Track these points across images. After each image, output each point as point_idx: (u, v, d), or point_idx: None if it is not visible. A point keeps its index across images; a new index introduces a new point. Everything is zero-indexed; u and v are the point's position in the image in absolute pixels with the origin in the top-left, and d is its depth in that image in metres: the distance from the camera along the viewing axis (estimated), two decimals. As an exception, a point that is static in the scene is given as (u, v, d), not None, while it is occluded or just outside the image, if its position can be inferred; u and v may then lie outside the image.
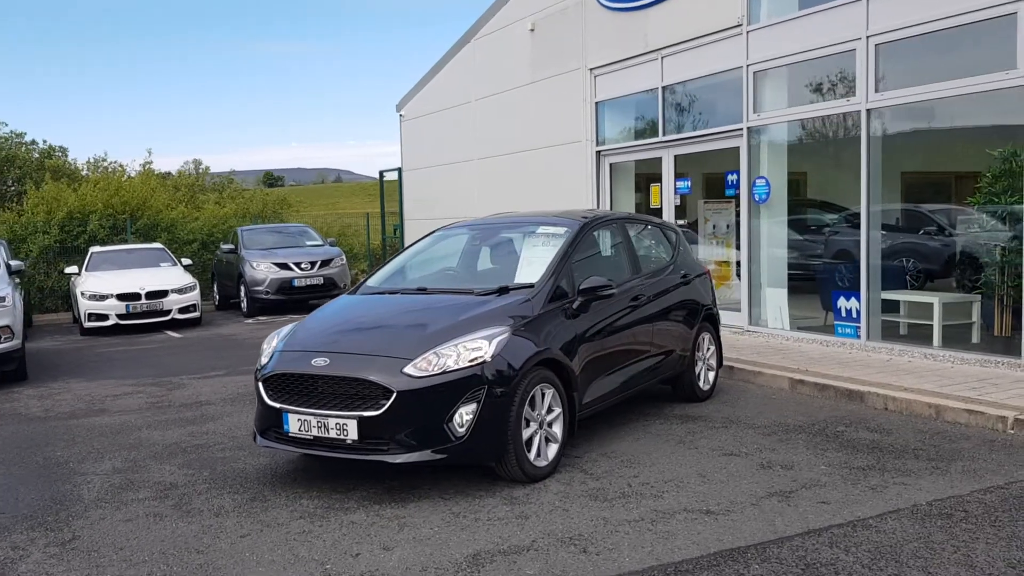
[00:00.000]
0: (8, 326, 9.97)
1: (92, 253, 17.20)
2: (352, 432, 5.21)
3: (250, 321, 16.41)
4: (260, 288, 16.81)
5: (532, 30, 15.42)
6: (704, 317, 7.84)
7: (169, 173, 27.92)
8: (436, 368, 5.22)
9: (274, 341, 6.04)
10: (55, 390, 9.80)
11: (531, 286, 6.00)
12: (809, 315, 11.03)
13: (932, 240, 11.92)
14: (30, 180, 23.49)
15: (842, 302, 10.14)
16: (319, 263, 17.29)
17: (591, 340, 6.17)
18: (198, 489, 5.72)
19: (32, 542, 4.86)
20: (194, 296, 15.99)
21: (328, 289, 17.10)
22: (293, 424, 5.44)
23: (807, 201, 12.28)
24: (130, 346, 13.61)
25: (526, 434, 5.47)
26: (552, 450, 5.70)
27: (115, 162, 26.58)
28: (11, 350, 10.03)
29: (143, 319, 15.39)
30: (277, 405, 5.54)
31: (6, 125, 28.46)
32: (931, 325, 9.44)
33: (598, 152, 14.12)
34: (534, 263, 6.46)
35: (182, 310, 15.74)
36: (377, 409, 5.17)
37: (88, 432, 7.60)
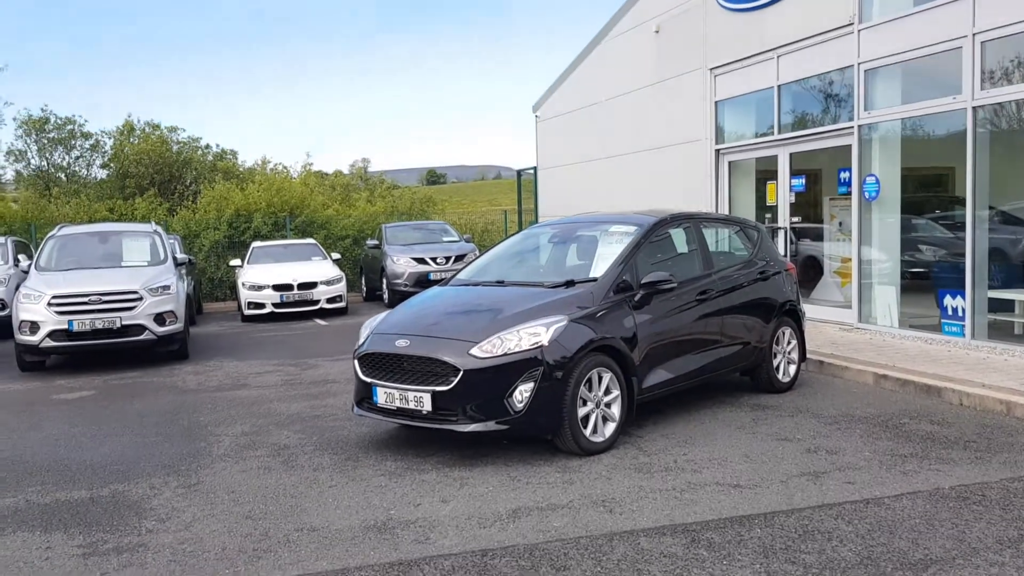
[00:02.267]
0: (172, 311, 11.42)
1: (253, 247, 18.95)
2: (427, 404, 6.00)
3: (390, 311, 17.63)
4: (399, 281, 18.03)
5: (657, 31, 15.83)
6: (784, 312, 8.16)
7: (337, 171, 29.90)
8: (499, 350, 5.92)
9: (372, 324, 6.92)
10: (210, 368, 11.17)
11: (595, 280, 6.61)
12: (923, 313, 10.99)
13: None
14: (204, 181, 25.89)
15: (948, 300, 10.12)
16: (453, 258, 18.34)
17: (654, 330, 6.70)
18: (305, 450, 6.68)
19: (165, 484, 5.93)
20: (341, 288, 17.38)
21: (462, 282, 18.09)
22: (381, 396, 6.29)
23: (919, 198, 12.11)
24: (281, 331, 15.05)
25: (582, 412, 6.09)
26: (609, 428, 6.29)
27: (279, 163, 28.83)
28: (174, 332, 11.49)
29: (295, 308, 16.88)
30: (368, 380, 6.41)
31: (184, 131, 31.41)
32: (1043, 324, 9.32)
33: (717, 150, 14.40)
34: (605, 259, 7.05)
35: (330, 300, 17.15)
36: (447, 384, 5.93)
37: (229, 403, 8.78)
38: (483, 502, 5.25)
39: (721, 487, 5.37)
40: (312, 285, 17.07)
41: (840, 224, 12.84)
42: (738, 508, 4.97)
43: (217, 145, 32.44)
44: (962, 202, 10.02)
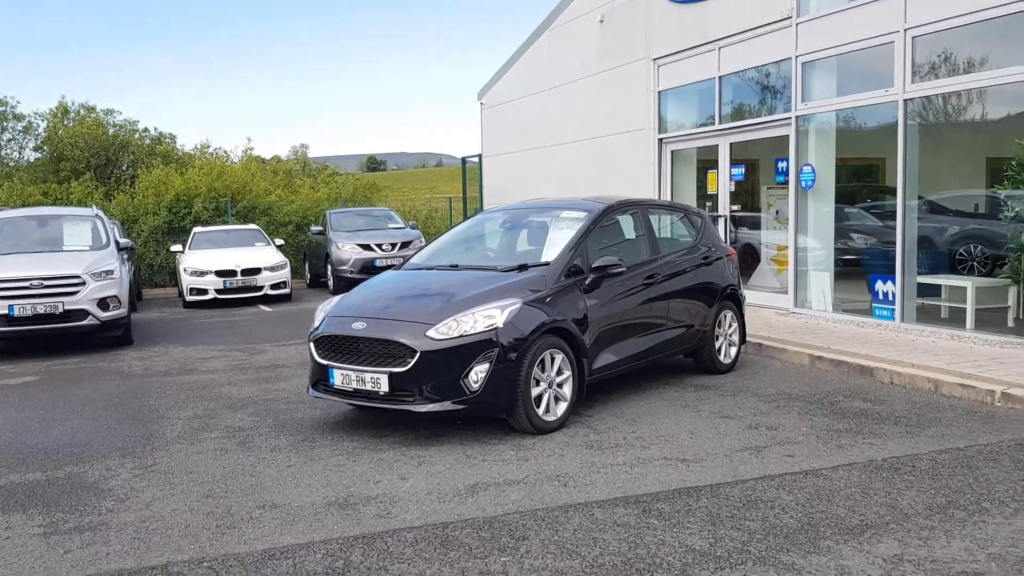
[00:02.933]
0: (116, 296, 11.31)
1: (195, 233, 18.74)
2: (384, 385, 6.13)
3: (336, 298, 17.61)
4: (345, 267, 18.02)
5: (601, 21, 16.06)
6: (726, 296, 8.46)
7: (276, 156, 29.58)
8: (455, 332, 6.07)
9: (327, 307, 7.00)
10: (155, 353, 11.10)
11: (547, 264, 6.80)
12: (855, 298, 11.44)
13: (968, 225, 12.09)
14: (142, 165, 25.44)
15: (879, 285, 10.56)
16: (399, 244, 18.40)
17: (603, 313, 6.92)
18: (260, 432, 6.75)
19: (121, 465, 5.95)
20: (285, 274, 17.31)
21: (407, 269, 18.19)
22: (337, 378, 6.40)
23: (852, 187, 12.58)
24: (225, 318, 14.96)
25: (535, 392, 6.28)
26: (561, 408, 6.49)
27: (219, 148, 28.43)
28: (118, 318, 11.37)
29: (238, 294, 16.78)
30: (324, 362, 6.50)
31: (120, 113, 30.77)
32: (966, 309, 9.79)
33: (660, 139, 14.70)
34: (558, 244, 7.24)
35: (273, 286, 17.08)
36: (404, 366, 6.06)
37: (178, 387, 8.77)
38: (441, 479, 5.40)
39: (669, 461, 5.61)
40: (256, 271, 16.98)
41: (777, 212, 13.25)
42: (686, 480, 5.21)
43: (155, 129, 31.89)
44: (893, 191, 10.46)
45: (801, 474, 5.28)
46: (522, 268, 6.79)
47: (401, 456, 5.93)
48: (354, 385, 6.30)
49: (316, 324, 6.84)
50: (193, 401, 8.04)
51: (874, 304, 10.64)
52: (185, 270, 17.02)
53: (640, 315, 7.39)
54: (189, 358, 10.60)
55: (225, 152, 28.11)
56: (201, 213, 21.92)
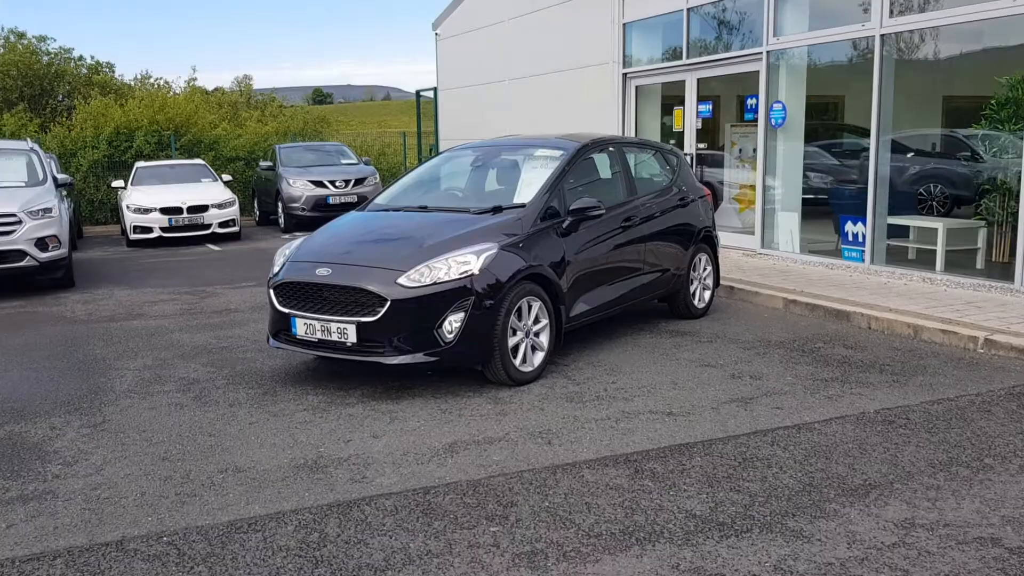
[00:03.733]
0: (55, 235, 10.65)
1: (137, 168, 17.90)
2: (352, 335, 5.75)
3: (287, 236, 17.04)
4: (296, 205, 17.39)
5: (563, -51, 15.42)
6: (701, 238, 8.19)
7: (220, 88, 28.38)
8: (428, 280, 5.69)
9: (286, 251, 6.55)
10: (99, 296, 10.52)
11: (523, 206, 6.41)
12: (822, 239, 11.27)
13: (941, 165, 11.96)
14: (79, 96, 24.19)
15: (849, 226, 10.39)
16: (353, 181, 17.79)
17: (580, 258, 6.59)
18: (217, 384, 6.34)
19: (68, 424, 5.51)
20: (233, 211, 16.64)
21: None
22: (300, 328, 5.99)
23: (823, 126, 12.34)
24: (171, 257, 14.33)
25: (512, 342, 5.95)
26: (538, 358, 6.19)
27: (161, 79, 27.14)
28: (58, 258, 10.74)
29: (185, 232, 16.11)
30: (286, 310, 6.08)
31: (55, 40, 29.15)
32: (935, 250, 9.67)
33: (625, 74, 14.26)
34: (531, 185, 6.85)
35: (222, 224, 16.42)
36: (373, 315, 5.68)
37: (125, 334, 8.27)
38: (416, 437, 5.08)
39: (655, 415, 5.35)
40: (203, 208, 16.29)
41: (740, 151, 12.98)
42: (675, 436, 4.96)
43: (92, 57, 30.35)
44: (864, 130, 10.23)
45: (794, 428, 5.07)
46: (496, 210, 6.40)
47: (372, 411, 5.58)
48: (319, 335, 5.91)
49: (275, 269, 6.40)
50: (142, 350, 7.58)
51: (843, 246, 10.48)
52: (128, 207, 16.26)
53: (617, 259, 7.08)
54: (136, 302, 10.06)
55: (167, 82, 26.92)
56: (143, 147, 20.98)
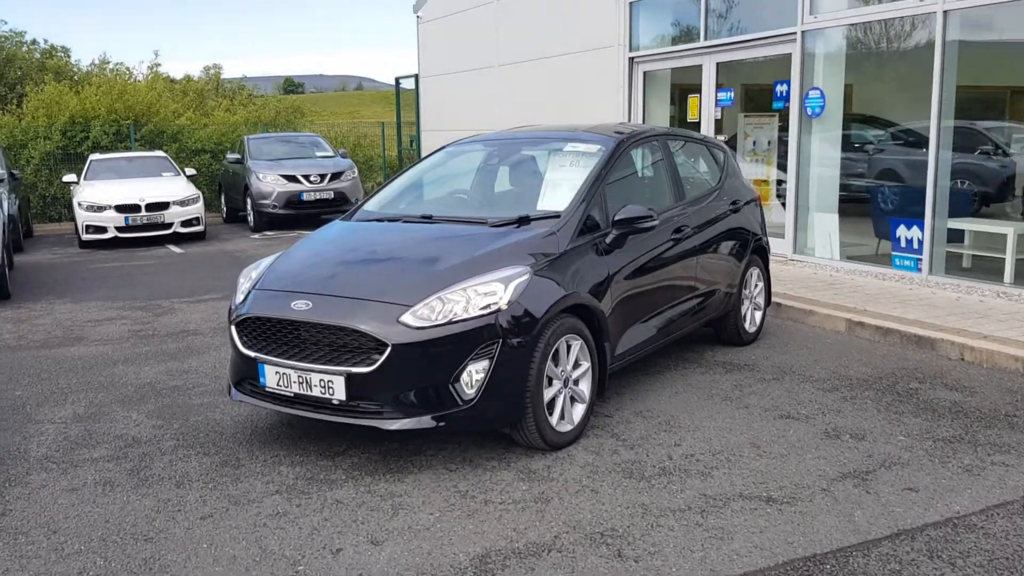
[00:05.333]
0: (-18, 242, 9.13)
1: (91, 161, 16.30)
2: (339, 391, 4.33)
3: (256, 236, 15.54)
4: (267, 201, 15.87)
5: (561, -79, 14.01)
6: (754, 249, 6.85)
7: (188, 76, 26.63)
8: (441, 317, 4.29)
9: (252, 274, 5.12)
10: (35, 312, 9.01)
11: (557, 216, 5.02)
12: (857, 243, 9.99)
13: (1004, 162, 10.71)
14: (31, 82, 22.43)
15: (902, 231, 9.09)
16: (329, 176, 16.28)
17: (626, 280, 5.22)
18: (163, 447, 4.90)
19: (-48, 519, 4.06)
20: (197, 209, 15.11)
21: (339, 204, 16.16)
22: (270, 377, 4.57)
23: (864, 117, 11.05)
24: (127, 261, 12.80)
25: (548, 394, 4.57)
26: (578, 412, 4.81)
27: (120, 64, 25.35)
28: (-13, 268, 9.22)
29: (143, 232, 14.58)
30: (252, 354, 4.65)
31: (5, 23, 27.31)
32: (1002, 259, 8.41)
33: (631, 59, 12.88)
34: (560, 187, 5.47)
35: (185, 223, 14.89)
36: (369, 365, 4.27)
37: (58, 366, 6.79)
38: (432, 541, 3.68)
39: (750, 503, 3.99)
40: (163, 206, 14.73)
41: (754, 143, 11.68)
42: (792, 543, 3.60)
43: (45, 41, 28.44)
44: (918, 119, 8.95)
45: (946, 525, 3.72)
46: (523, 222, 4.99)
47: (366, 495, 4.18)
48: (295, 388, 4.48)
49: (239, 298, 4.95)
50: (75, 390, 6.11)
51: (894, 252, 9.18)
52: (80, 204, 14.66)
53: (666, 279, 5.71)
54: (77, 320, 8.56)
55: (127, 69, 25.15)
56: (100, 138, 19.30)
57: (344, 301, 4.47)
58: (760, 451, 4.62)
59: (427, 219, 5.31)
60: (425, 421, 4.28)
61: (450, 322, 4.28)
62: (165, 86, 23.87)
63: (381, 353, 4.24)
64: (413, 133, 20.81)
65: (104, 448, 4.92)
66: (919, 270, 8.87)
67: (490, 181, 5.97)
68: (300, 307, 4.49)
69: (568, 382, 4.73)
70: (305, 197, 15.95)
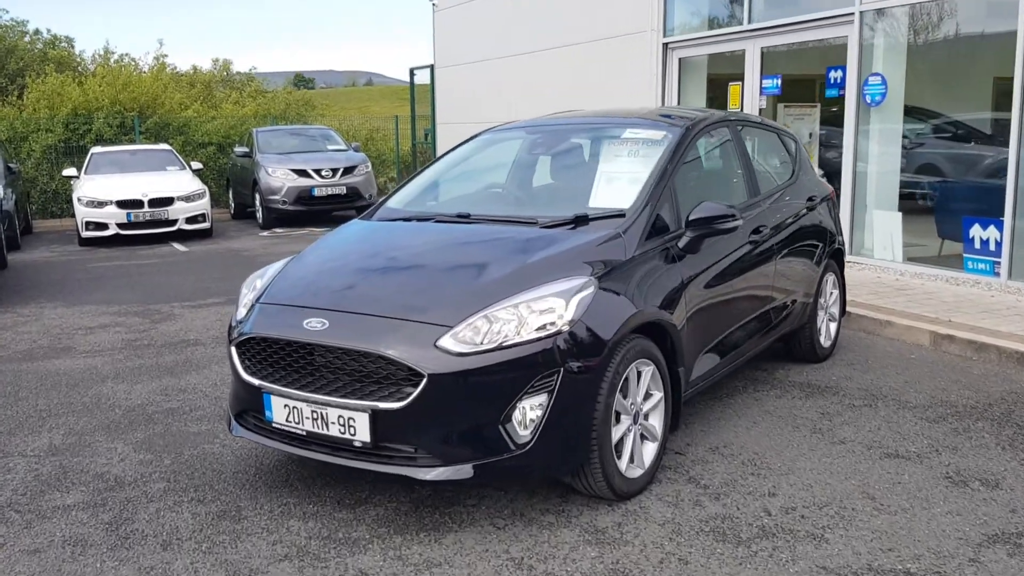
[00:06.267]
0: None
1: (92, 154, 15.52)
2: (363, 431, 3.50)
3: (265, 233, 14.74)
4: (276, 197, 15.06)
5: (589, -102, 13.13)
6: (830, 252, 6.00)
7: (196, 67, 25.84)
8: (488, 340, 3.46)
9: (257, 283, 4.29)
10: (23, 318, 8.22)
11: (621, 215, 4.17)
12: (916, 243, 9.12)
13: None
14: (32, 73, 21.67)
15: (976, 231, 8.21)
16: (342, 170, 15.47)
17: (702, 291, 4.38)
18: (150, 491, 4.08)
19: None
20: (203, 204, 14.32)
21: (352, 200, 15.39)
22: (278, 411, 3.74)
23: (931, 105, 10.14)
24: (127, 260, 12.01)
25: (616, 433, 3.74)
26: (649, 452, 3.98)
27: (126, 55, 24.54)
28: (-29, 270, 8.44)
29: (146, 229, 13.79)
30: (255, 381, 3.82)
31: (7, 12, 26.56)
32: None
33: (665, 44, 12.00)
34: (617, 181, 4.63)
35: (190, 220, 14.10)
36: (400, 399, 3.44)
37: (40, 382, 6.00)
38: (485, 636, 2.86)
39: (883, 579, 3.15)
40: (167, 201, 13.93)
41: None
42: (956, 643, 2.76)
43: (48, 31, 27.66)
44: (990, 109, 8.08)
45: None
46: (580, 221, 4.15)
47: (397, 562, 3.35)
48: (308, 426, 3.66)
49: (240, 313, 4.12)
50: (55, 413, 5.31)
51: (966, 254, 8.31)
52: (80, 200, 13.89)
53: (744, 289, 4.87)
54: (67, 327, 7.77)
55: (133, 60, 24.37)
56: (103, 130, 18.53)
57: (368, 320, 3.63)
58: (876, 504, 3.77)
59: (464, 219, 4.47)
60: (467, 471, 3.44)
61: (500, 347, 3.44)
62: (171, 78, 23.05)
63: (415, 385, 3.41)
64: (428, 126, 19.97)
65: (80, 491, 4.11)
66: (996, 274, 8.00)
67: (532, 174, 5.12)
68: (314, 326, 3.66)
69: (638, 417, 3.89)
70: (317, 192, 15.15)
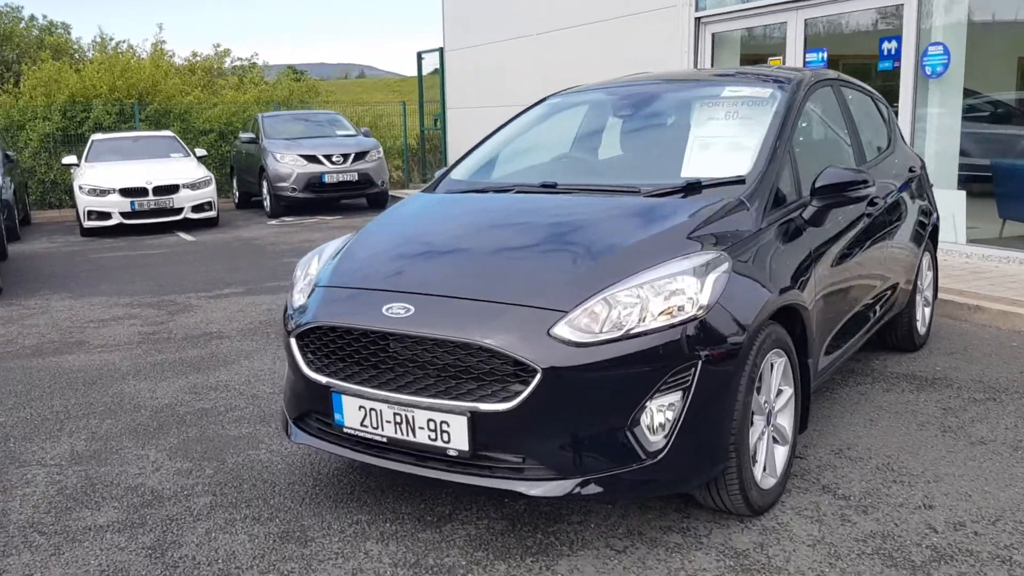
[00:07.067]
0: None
1: (93, 141, 14.87)
2: (459, 437, 2.92)
3: (274, 222, 14.12)
4: (285, 184, 14.44)
5: None
6: (931, 230, 5.43)
7: (195, 53, 25.15)
8: (610, 327, 2.88)
9: (313, 265, 3.70)
10: (29, 311, 7.62)
11: (741, 181, 3.59)
12: (973, 225, 8.56)
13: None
14: (29, 60, 20.98)
15: (1053, 210, 7.66)
16: (353, 156, 14.84)
17: (827, 271, 3.80)
18: (194, 507, 3.50)
19: None
20: (210, 192, 13.70)
21: (364, 186, 14.79)
22: (351, 413, 3.15)
23: (993, 77, 9.55)
24: (133, 251, 11.39)
25: (752, 437, 3.16)
26: (780, 457, 3.41)
27: (124, 41, 23.84)
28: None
29: (151, 218, 13.17)
30: (322, 379, 3.23)
31: None
32: None
33: (697, 19, 11.40)
34: (713, 147, 4.06)
35: (196, 208, 13.48)
36: (506, 400, 2.85)
37: (52, 380, 5.41)
38: None
39: (1109, 614, 2.58)
40: (173, 189, 13.31)
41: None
42: None
43: (44, 16, 26.92)
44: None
45: None
46: (692, 189, 3.56)
47: (508, 597, 2.78)
48: (389, 431, 3.07)
49: (298, 300, 3.52)
50: (73, 415, 4.72)
51: (1039, 236, 7.76)
52: (81, 188, 13.25)
53: (863, 270, 4.31)
54: (77, 320, 7.17)
55: (131, 46, 23.67)
56: (102, 118, 17.85)
57: (463, 304, 3.04)
58: (1054, 517, 3.21)
59: (550, 188, 3.88)
60: (589, 486, 2.86)
61: (627, 335, 2.86)
62: (170, 64, 22.37)
63: (526, 383, 2.83)
64: (437, 112, 19.35)
65: (112, 508, 3.52)
66: (1075, 256, 7.45)
67: (617, 138, 4.51)
68: (397, 312, 3.07)
69: (771, 417, 3.32)
70: (327, 179, 14.53)
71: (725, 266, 3.07)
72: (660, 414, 2.89)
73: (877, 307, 4.62)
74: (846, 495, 3.42)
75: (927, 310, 5.63)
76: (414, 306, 3.07)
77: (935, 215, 5.59)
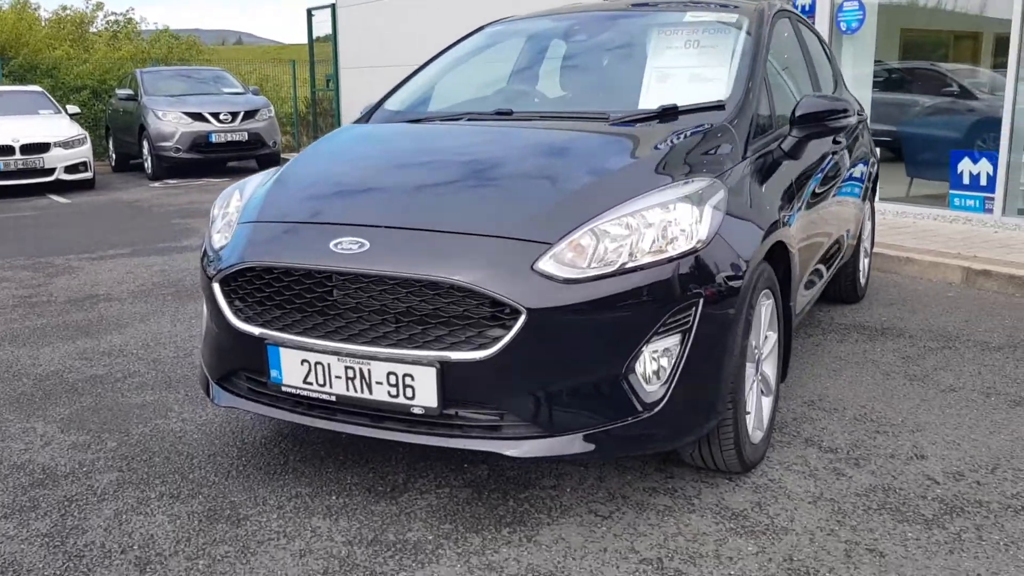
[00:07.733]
0: None
1: (-51, 96, 13.49)
2: (425, 392, 2.49)
3: (157, 184, 13.15)
4: (168, 144, 13.46)
5: None
6: (874, 179, 5.28)
7: (64, 6, 23.36)
8: (599, 262, 2.50)
9: (234, 200, 3.17)
10: None
11: (720, 106, 3.26)
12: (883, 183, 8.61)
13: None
14: None
15: (966, 165, 7.72)
16: (242, 115, 13.96)
17: (806, 210, 3.53)
18: (97, 486, 2.96)
19: None
20: (85, 151, 12.61)
21: (254, 147, 13.95)
22: (291, 370, 2.68)
23: (904, 35, 9.59)
24: (1, 213, 10.34)
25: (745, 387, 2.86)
26: (766, 409, 3.12)
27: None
28: None
29: (19, 179, 12.01)
30: (254, 331, 2.74)
31: None
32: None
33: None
34: (672, 78, 3.72)
35: (69, 169, 12.38)
36: (483, 347, 2.44)
37: (-90, 350, 4.68)
38: None
39: None
40: (43, 148, 12.17)
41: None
42: None
43: None
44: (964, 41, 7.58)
45: None
46: (668, 115, 3.21)
47: (491, 574, 2.39)
48: (340, 388, 2.62)
49: (217, 240, 3.00)
50: (-62, 387, 4.05)
51: (952, 191, 7.81)
52: (-62, 147, 11.98)
53: (831, 212, 4.08)
54: (-62, 284, 6.34)
55: (-11, -3, 21.71)
56: (-41, 72, 16.33)
57: (429, 237, 2.60)
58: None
59: (505, 115, 3.45)
60: (577, 443, 2.50)
61: (620, 270, 2.49)
62: (35, 18, 20.70)
63: (507, 327, 2.43)
64: (331, 71, 18.51)
65: (1, 492, 2.95)
66: (986, 211, 7.53)
67: (568, 68, 4.11)
68: (348, 248, 2.60)
69: (759, 365, 3.02)
70: (214, 139, 13.63)
71: (721, 194, 2.74)
72: (657, 360, 2.54)
73: (836, 254, 4.42)
74: (832, 447, 3.17)
75: (866, 261, 5.49)
76: (368, 240, 2.61)
77: (877, 164, 5.45)
